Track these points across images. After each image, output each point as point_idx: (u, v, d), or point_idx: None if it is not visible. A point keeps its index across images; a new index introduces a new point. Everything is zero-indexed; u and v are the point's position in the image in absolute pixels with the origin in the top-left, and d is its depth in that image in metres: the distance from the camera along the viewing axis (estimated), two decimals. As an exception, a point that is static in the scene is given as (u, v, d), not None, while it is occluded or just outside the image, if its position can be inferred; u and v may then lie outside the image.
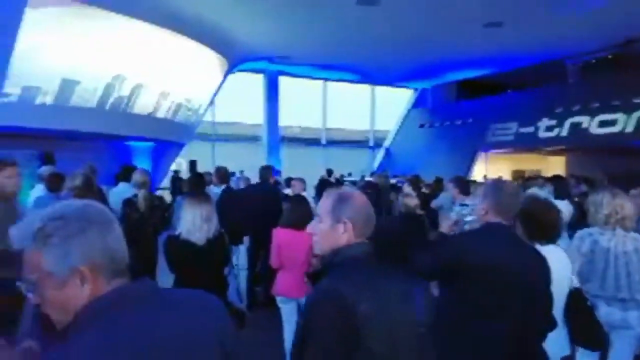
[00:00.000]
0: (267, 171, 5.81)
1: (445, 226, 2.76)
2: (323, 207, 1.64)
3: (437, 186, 7.86)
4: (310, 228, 1.64)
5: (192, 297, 1.15)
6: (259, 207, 5.60)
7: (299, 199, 4.43)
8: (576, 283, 2.57)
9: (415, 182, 7.25)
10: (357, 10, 10.11)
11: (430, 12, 10.31)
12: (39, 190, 5.19)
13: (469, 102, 18.40)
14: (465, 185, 5.47)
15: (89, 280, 0.97)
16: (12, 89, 7.94)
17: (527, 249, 2.21)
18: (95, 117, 9.62)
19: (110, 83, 9.60)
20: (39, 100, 8.46)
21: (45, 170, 5.52)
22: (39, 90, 8.40)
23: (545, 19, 10.77)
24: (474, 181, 7.57)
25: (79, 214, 1.00)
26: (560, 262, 2.43)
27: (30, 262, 0.97)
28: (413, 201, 5.09)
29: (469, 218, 3.19)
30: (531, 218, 2.48)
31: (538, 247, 2.32)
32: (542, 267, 2.13)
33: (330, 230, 1.60)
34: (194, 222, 3.08)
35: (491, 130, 16.24)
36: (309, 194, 7.25)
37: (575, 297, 2.49)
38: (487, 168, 16.78)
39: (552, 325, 2.22)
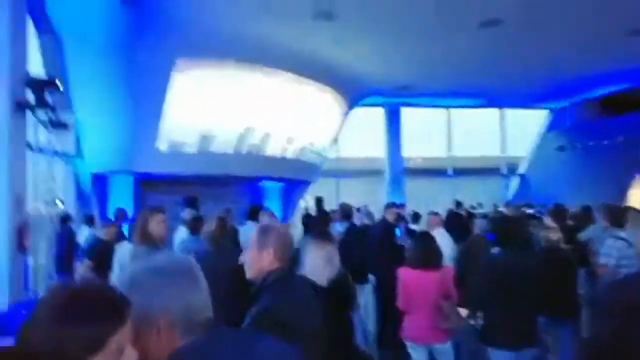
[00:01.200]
0: (388, 208, 5.81)
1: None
2: (251, 237, 2.01)
3: (585, 216, 6.90)
4: (242, 257, 2.04)
5: (270, 351, 1.16)
6: (382, 245, 5.58)
7: (424, 236, 4.23)
8: None
9: (558, 212, 6.45)
10: (479, 33, 9.70)
11: (560, 25, 9.50)
12: (183, 232, 5.74)
13: (617, 119, 16.29)
14: (617, 214, 4.75)
15: (165, 333, 1.03)
16: (162, 144, 9.23)
17: None
18: (232, 161, 10.58)
19: (242, 134, 10.56)
20: (183, 151, 9.63)
21: (187, 214, 6.11)
22: (182, 144, 9.62)
23: None
24: (630, 209, 6.48)
25: (168, 269, 1.08)
26: None
27: None
28: (555, 234, 4.60)
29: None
30: None
31: None
32: None
33: (257, 257, 1.96)
34: (316, 264, 3.09)
35: (648, 148, 14.17)
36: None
37: None
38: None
39: None
